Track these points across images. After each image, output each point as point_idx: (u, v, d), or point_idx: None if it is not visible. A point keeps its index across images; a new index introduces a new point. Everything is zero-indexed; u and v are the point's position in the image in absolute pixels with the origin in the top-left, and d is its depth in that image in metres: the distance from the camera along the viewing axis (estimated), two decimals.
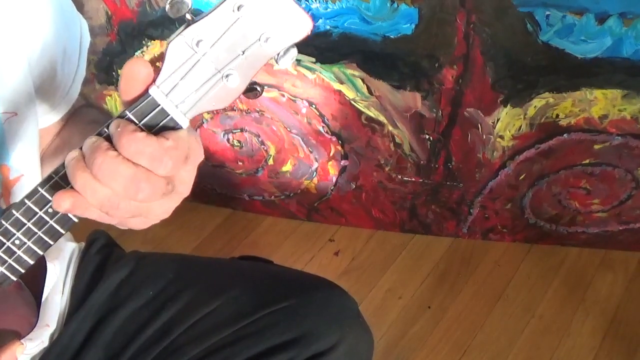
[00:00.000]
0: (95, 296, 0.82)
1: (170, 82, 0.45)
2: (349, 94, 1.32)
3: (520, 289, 1.52)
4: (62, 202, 0.47)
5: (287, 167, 1.52)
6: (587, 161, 1.37)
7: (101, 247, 0.87)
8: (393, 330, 1.44)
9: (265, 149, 1.49)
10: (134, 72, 0.46)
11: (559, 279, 1.54)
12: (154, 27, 1.29)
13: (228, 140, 1.49)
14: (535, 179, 1.42)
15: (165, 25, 1.29)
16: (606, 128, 1.29)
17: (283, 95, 1.35)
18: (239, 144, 1.49)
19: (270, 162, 1.51)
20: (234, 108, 1.40)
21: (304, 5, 1.18)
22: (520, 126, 1.31)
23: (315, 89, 1.33)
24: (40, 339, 0.76)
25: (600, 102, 1.24)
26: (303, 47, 1.29)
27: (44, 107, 0.71)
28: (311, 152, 1.46)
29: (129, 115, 0.46)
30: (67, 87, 0.73)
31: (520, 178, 1.42)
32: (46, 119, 0.73)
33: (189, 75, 0.45)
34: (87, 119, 0.76)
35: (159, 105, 0.46)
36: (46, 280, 0.71)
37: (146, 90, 0.46)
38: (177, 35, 0.44)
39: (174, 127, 0.47)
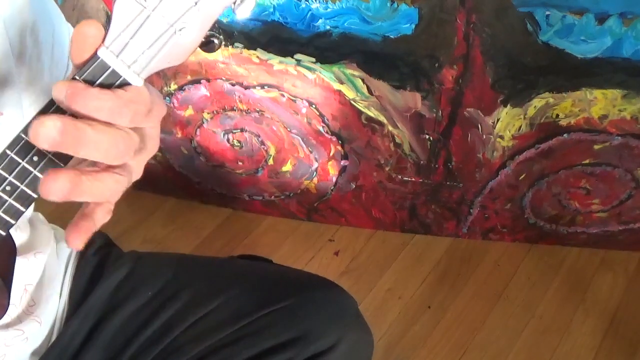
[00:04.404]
0: (94, 297, 0.82)
1: (120, 42, 0.43)
2: (349, 94, 1.31)
3: (520, 289, 1.52)
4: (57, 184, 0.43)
5: (287, 167, 1.52)
6: (587, 161, 1.37)
7: (99, 248, 0.87)
8: (393, 330, 1.44)
9: (265, 149, 1.48)
10: (83, 34, 0.43)
11: (559, 279, 1.53)
12: None
13: (228, 140, 1.49)
14: (535, 179, 1.42)
15: None
16: (606, 128, 1.29)
17: (283, 95, 1.35)
18: (239, 144, 1.49)
19: (270, 162, 1.51)
20: (234, 108, 1.40)
21: (304, 5, 1.18)
22: (520, 126, 1.31)
23: (315, 89, 1.33)
24: (22, 330, 0.74)
25: (600, 102, 1.24)
26: (303, 47, 1.29)
27: (31, 110, 0.71)
28: (311, 152, 1.46)
29: (78, 80, 0.43)
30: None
31: (520, 178, 1.42)
32: None
33: (140, 33, 0.43)
34: None
35: (110, 67, 0.43)
36: (16, 270, 0.69)
37: (95, 53, 0.43)
38: None
39: None
